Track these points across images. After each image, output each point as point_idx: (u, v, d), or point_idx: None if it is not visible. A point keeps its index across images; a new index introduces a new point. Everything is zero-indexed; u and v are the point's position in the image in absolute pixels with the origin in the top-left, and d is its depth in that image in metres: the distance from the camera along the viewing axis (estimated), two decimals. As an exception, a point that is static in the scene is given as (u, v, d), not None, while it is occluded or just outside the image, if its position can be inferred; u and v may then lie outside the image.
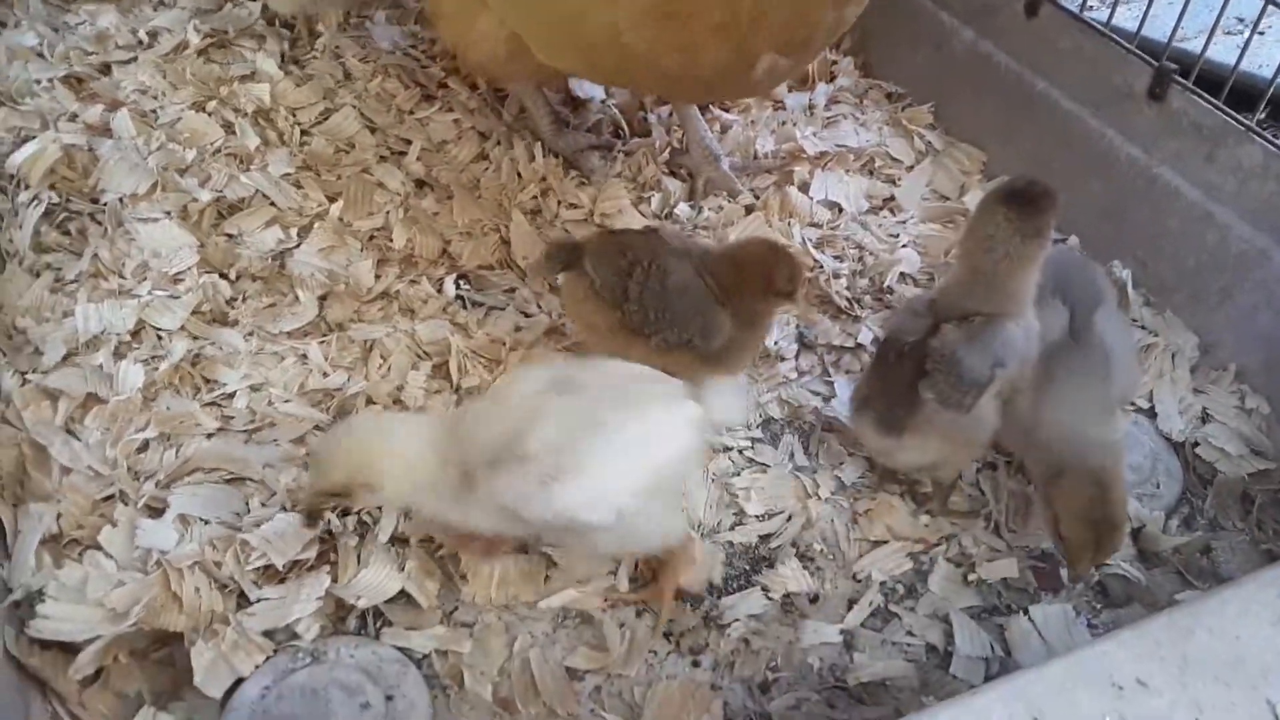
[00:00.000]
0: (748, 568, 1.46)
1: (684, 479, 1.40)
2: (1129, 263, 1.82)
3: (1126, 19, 1.98)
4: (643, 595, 1.41)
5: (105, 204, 1.82)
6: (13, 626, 1.27)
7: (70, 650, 1.28)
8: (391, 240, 1.86)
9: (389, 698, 1.27)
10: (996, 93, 2.05)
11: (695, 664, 1.36)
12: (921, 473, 1.53)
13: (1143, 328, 1.77)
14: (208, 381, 1.58)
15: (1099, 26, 1.85)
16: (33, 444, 1.46)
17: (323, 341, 1.67)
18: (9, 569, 1.33)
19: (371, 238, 1.87)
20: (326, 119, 2.05)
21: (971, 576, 1.46)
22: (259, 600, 1.34)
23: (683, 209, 2.00)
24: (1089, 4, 2.04)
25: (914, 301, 1.54)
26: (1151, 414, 1.65)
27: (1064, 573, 1.46)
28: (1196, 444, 1.61)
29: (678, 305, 1.48)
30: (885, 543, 1.48)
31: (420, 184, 1.98)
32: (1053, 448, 1.38)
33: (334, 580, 1.37)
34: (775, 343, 1.75)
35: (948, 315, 1.38)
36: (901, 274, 1.88)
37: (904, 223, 2.00)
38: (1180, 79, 1.73)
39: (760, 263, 1.48)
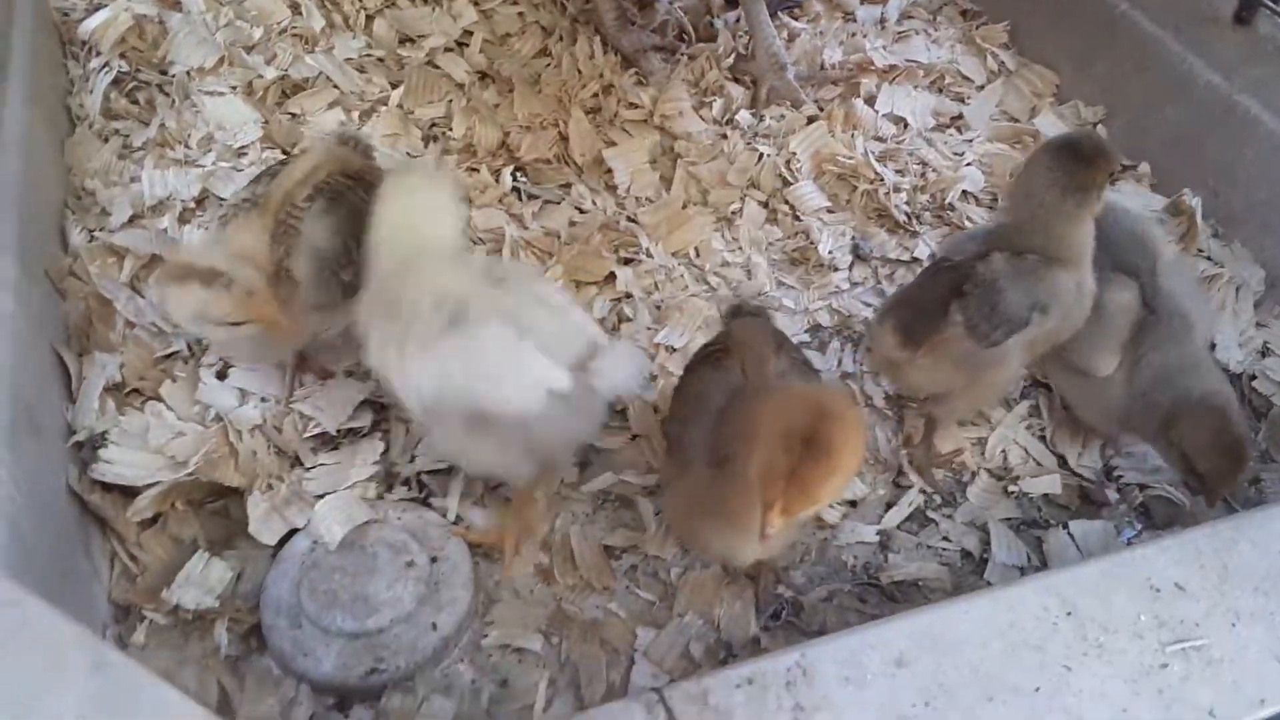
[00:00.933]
0: (789, 465, 1.47)
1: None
2: (1200, 191, 1.77)
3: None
4: (482, 538, 1.36)
5: (173, 75, 1.85)
6: (75, 466, 1.32)
7: (130, 494, 1.33)
8: (451, 129, 1.86)
9: (433, 559, 1.31)
10: (1075, 13, 1.99)
11: (732, 553, 1.38)
12: (923, 403, 1.46)
13: (1208, 259, 1.73)
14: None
15: (1190, -56, 1.78)
16: (98, 298, 1.50)
17: (380, 221, 1.69)
18: (73, 412, 1.37)
19: (432, 125, 1.88)
20: (392, 4, 2.04)
21: (1013, 489, 1.46)
22: (314, 467, 1.38)
23: (744, 116, 1.98)
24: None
25: (975, 229, 1.50)
26: (1211, 345, 1.62)
27: (1110, 494, 1.46)
28: (1254, 377, 1.59)
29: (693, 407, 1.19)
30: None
31: (482, 76, 1.98)
32: (1158, 403, 1.34)
33: (386, 449, 1.41)
34: (829, 252, 1.74)
35: (1003, 247, 1.30)
36: (964, 192, 1.85)
37: (970, 141, 1.97)
38: (1269, 3, 1.67)
39: (778, 455, 0.97)
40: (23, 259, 1.42)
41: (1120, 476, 1.47)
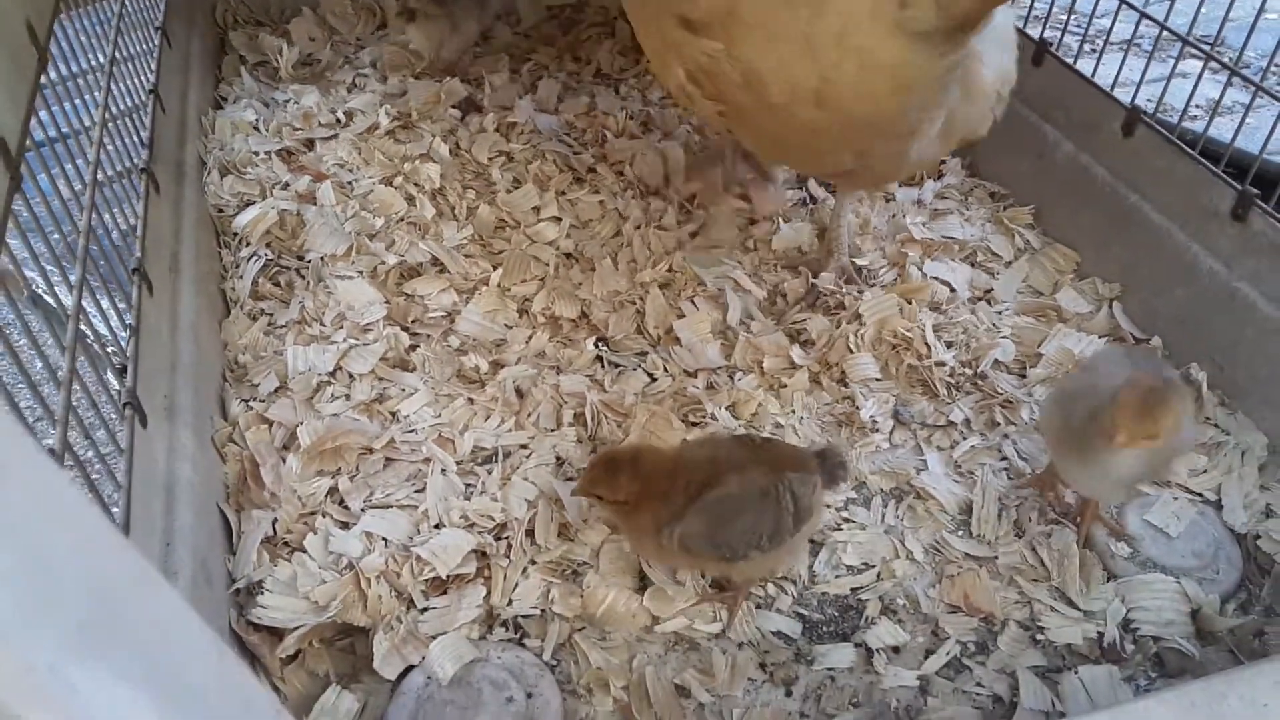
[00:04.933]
0: (837, 614, 1.67)
1: None
2: (1206, 365, 1.98)
3: (1225, 129, 2.15)
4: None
5: (309, 262, 2.17)
6: (235, 610, 1.58)
7: (276, 633, 1.58)
8: (542, 305, 2.15)
9: (529, 695, 1.53)
10: (1093, 202, 2.24)
11: (787, 694, 1.57)
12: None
13: (1215, 426, 1.92)
14: (392, 414, 1.89)
15: (1189, 151, 2.03)
16: (252, 461, 1.78)
17: (484, 389, 1.96)
18: (234, 563, 1.64)
19: (525, 301, 2.17)
20: (492, 201, 2.37)
21: (1040, 638, 1.64)
22: (426, 609, 1.62)
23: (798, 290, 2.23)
24: (1190, 113, 2.22)
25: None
26: (1218, 506, 1.81)
27: (1127, 645, 1.63)
28: (1258, 536, 1.76)
29: None
30: (959, 610, 1.67)
31: (568, 256, 2.28)
32: None
33: (487, 594, 1.64)
34: (871, 417, 1.97)
35: None
36: (996, 361, 2.08)
37: (1000, 313, 2.20)
38: (1261, 203, 1.90)
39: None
40: (196, 429, 1.72)
41: (1137, 629, 1.65)
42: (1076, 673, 1.56)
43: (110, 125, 1.92)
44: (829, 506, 1.81)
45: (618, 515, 1.60)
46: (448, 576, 1.65)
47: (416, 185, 2.37)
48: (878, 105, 1.57)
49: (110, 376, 1.59)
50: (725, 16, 1.63)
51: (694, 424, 1.95)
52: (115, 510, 1.37)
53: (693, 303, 2.20)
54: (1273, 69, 3.14)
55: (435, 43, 2.75)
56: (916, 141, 1.74)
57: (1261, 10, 1.96)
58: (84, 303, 1.54)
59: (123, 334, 1.67)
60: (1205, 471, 1.86)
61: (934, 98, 1.64)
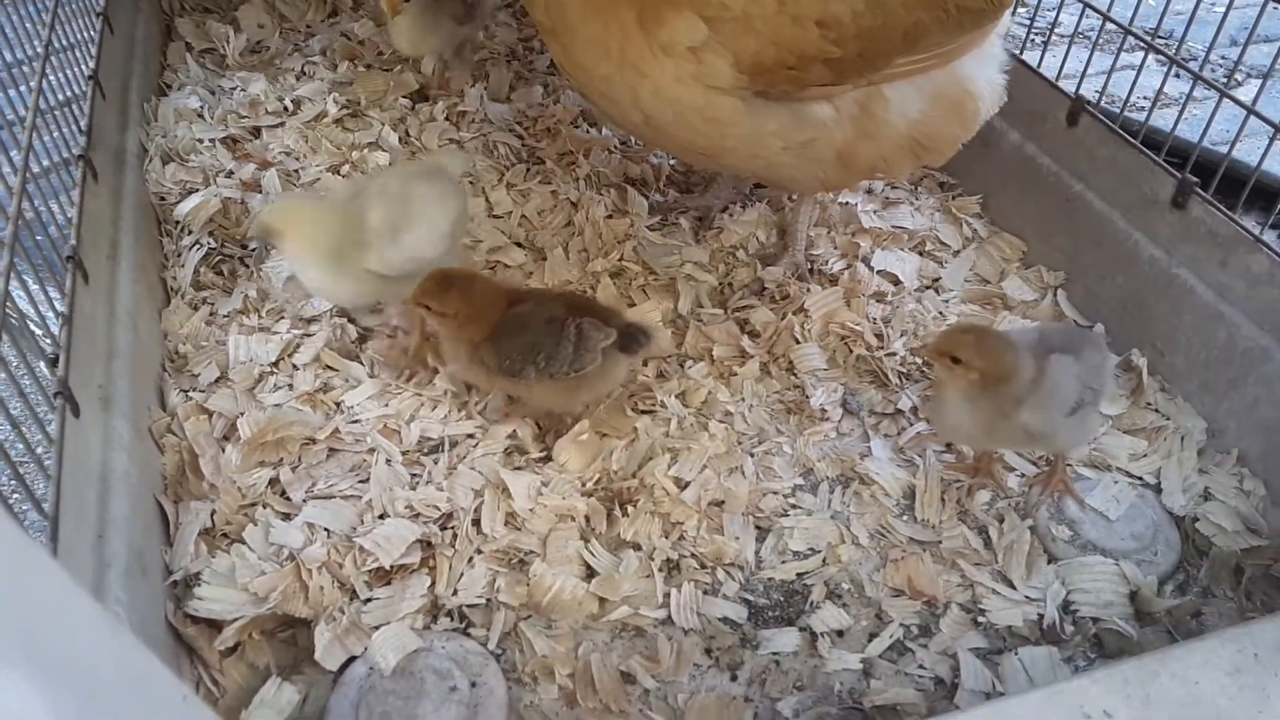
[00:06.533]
0: (782, 599, 1.68)
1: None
2: (1147, 351, 2.01)
3: (1170, 119, 2.19)
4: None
5: (253, 250, 2.13)
6: (172, 602, 1.55)
7: (215, 625, 1.55)
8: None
9: (473, 684, 1.51)
10: (1038, 190, 2.26)
11: (733, 678, 1.58)
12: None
13: (1156, 411, 1.95)
14: (337, 405, 1.87)
15: (1131, 140, 2.06)
16: (191, 452, 1.75)
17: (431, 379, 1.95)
18: (171, 555, 1.61)
19: (474, 290, 2.15)
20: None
21: (981, 620, 1.66)
22: (369, 600, 1.60)
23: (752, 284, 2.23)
24: (1133, 103, 2.25)
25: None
26: (1157, 489, 1.84)
27: (1067, 626, 1.65)
28: (1196, 519, 1.79)
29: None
30: (903, 593, 1.68)
31: (519, 245, 2.27)
32: None
33: (432, 583, 1.63)
34: (820, 406, 1.97)
35: None
36: (941, 349, 2.09)
37: (947, 301, 2.22)
38: (1200, 191, 1.93)
39: None
40: (134, 420, 1.68)
41: (1077, 611, 1.67)
42: (1017, 654, 1.58)
43: (50, 114, 1.89)
44: (776, 494, 1.81)
45: (443, 328, 1.76)
46: (391, 567, 1.63)
47: (365, 173, 2.34)
48: (697, 131, 1.82)
49: (43, 366, 1.55)
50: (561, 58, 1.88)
51: (644, 411, 1.94)
52: (44, 501, 1.34)
53: (644, 291, 2.19)
54: (1220, 61, 3.20)
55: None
56: (764, 159, 1.88)
57: (1199, 2, 1.99)
58: (16, 291, 1.51)
59: (56, 323, 1.63)
60: (1145, 455, 1.88)
61: (765, 127, 1.81)
